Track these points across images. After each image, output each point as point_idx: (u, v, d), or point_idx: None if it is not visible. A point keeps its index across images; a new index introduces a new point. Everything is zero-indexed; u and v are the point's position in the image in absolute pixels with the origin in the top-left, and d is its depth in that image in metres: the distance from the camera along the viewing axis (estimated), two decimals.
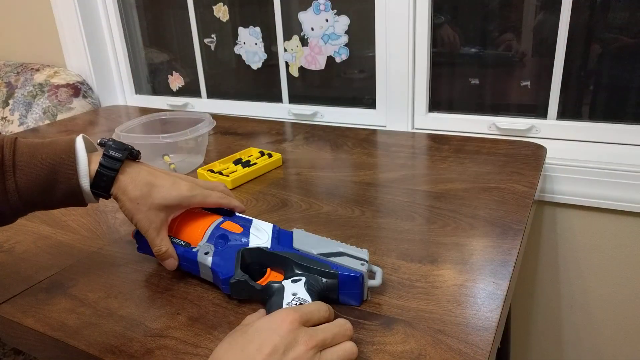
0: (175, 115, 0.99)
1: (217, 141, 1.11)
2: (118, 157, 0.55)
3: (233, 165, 0.91)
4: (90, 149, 0.55)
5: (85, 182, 0.53)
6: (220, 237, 0.55)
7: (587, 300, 1.06)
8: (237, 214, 0.60)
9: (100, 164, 0.54)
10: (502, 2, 1.02)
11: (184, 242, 0.57)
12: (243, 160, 0.92)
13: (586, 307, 1.07)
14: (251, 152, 0.98)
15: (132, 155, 0.57)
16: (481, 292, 0.53)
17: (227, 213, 0.61)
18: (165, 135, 0.85)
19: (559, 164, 0.96)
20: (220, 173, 0.87)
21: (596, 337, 1.08)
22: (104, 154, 0.54)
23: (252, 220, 0.59)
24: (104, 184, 0.54)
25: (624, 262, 0.99)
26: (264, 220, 0.72)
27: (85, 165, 0.53)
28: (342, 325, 0.43)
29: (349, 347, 0.42)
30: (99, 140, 0.57)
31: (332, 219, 0.71)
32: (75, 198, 0.54)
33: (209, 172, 0.87)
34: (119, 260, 0.64)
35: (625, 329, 1.04)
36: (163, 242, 0.56)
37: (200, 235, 0.56)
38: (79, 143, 0.54)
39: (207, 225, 0.57)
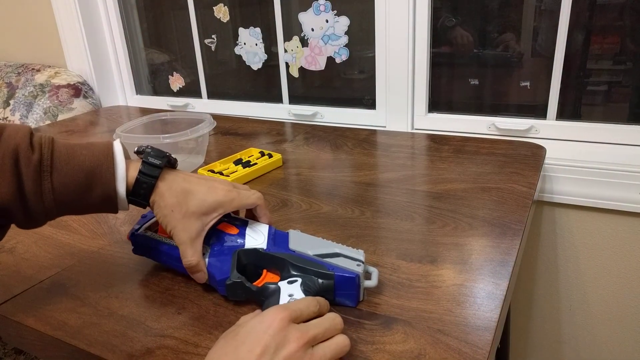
0: (175, 115, 0.99)
1: (217, 141, 1.11)
2: (157, 164, 0.53)
3: (233, 165, 0.92)
4: (124, 156, 0.54)
5: (121, 188, 0.52)
6: (216, 239, 0.55)
7: (586, 299, 1.06)
8: (231, 214, 0.60)
9: (140, 172, 0.52)
10: (501, 2, 1.02)
11: None
12: (243, 161, 0.93)
13: (585, 307, 1.07)
14: (251, 153, 0.98)
15: (170, 163, 0.56)
16: (481, 291, 0.53)
17: (223, 215, 0.60)
18: (166, 135, 0.85)
19: (559, 164, 0.97)
20: (221, 173, 0.87)
21: (595, 337, 1.08)
22: (143, 161, 0.53)
23: (247, 221, 0.58)
24: (143, 191, 0.53)
25: (623, 262, 0.99)
26: None
27: (123, 170, 0.52)
28: (332, 319, 0.44)
29: (340, 340, 0.42)
30: (136, 149, 0.56)
31: (332, 219, 0.72)
32: (109, 203, 0.52)
33: (209, 172, 0.88)
34: (119, 260, 0.64)
35: (624, 328, 1.05)
36: (195, 255, 0.53)
37: None
38: (117, 147, 0.53)
39: None
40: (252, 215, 0.61)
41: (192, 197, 0.54)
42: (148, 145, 0.55)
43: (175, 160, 0.57)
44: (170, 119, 0.99)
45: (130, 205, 0.54)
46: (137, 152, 0.55)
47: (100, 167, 0.51)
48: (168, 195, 0.53)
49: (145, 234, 0.59)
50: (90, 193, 0.51)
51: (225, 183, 0.57)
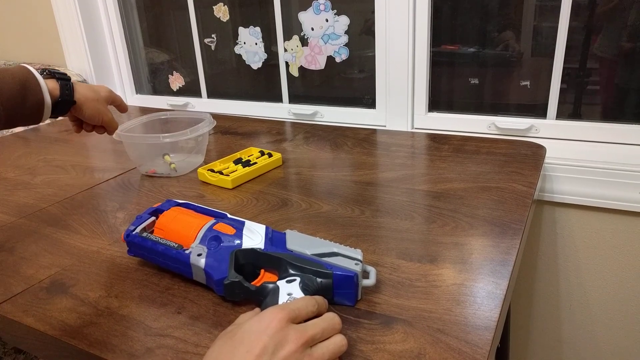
0: (175, 114, 0.99)
1: (217, 141, 1.11)
2: (65, 73, 0.71)
3: (233, 164, 0.92)
4: None
5: (47, 97, 0.67)
6: (213, 239, 0.55)
7: (586, 299, 1.06)
8: (228, 215, 0.60)
9: (58, 79, 0.69)
10: (501, 2, 1.02)
11: (176, 244, 0.57)
12: (243, 160, 0.93)
13: (585, 306, 1.07)
14: (251, 152, 0.98)
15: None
16: (480, 291, 0.53)
17: (219, 215, 0.60)
18: (166, 134, 0.85)
19: (559, 164, 0.97)
20: (221, 172, 0.87)
21: (595, 336, 1.08)
22: (53, 73, 0.70)
23: (244, 221, 0.58)
24: (68, 91, 0.70)
25: (623, 262, 0.99)
26: (263, 219, 0.72)
27: (45, 83, 0.67)
28: (330, 319, 0.43)
29: (338, 340, 0.42)
30: (40, 70, 0.70)
31: (332, 218, 0.72)
32: (38, 111, 0.67)
33: (209, 171, 0.88)
34: (119, 260, 0.64)
35: (624, 328, 1.05)
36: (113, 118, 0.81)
37: (192, 237, 0.56)
38: (31, 68, 0.67)
39: (199, 227, 0.57)
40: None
41: (98, 90, 0.77)
42: (44, 69, 0.70)
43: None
44: (170, 118, 0.99)
45: (58, 117, 0.72)
46: (43, 70, 0.70)
47: (28, 81, 0.65)
48: (88, 94, 0.74)
49: (141, 235, 0.59)
50: (25, 103, 0.65)
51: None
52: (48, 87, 0.68)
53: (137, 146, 0.91)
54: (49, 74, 0.70)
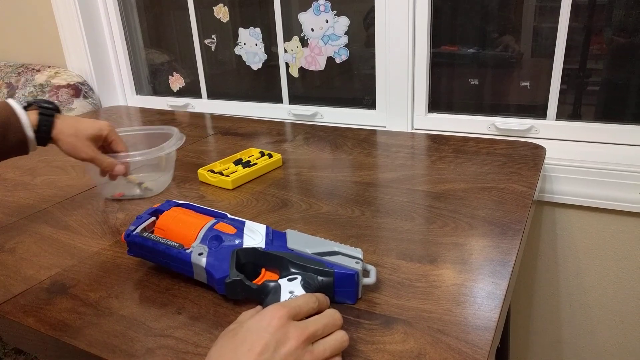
0: (144, 130, 0.90)
1: (217, 141, 1.11)
2: (51, 107, 0.71)
3: (233, 165, 0.92)
4: None
5: (30, 132, 0.68)
6: (213, 238, 0.55)
7: (586, 299, 1.06)
8: (228, 215, 0.60)
9: (40, 114, 0.69)
10: (501, 3, 1.02)
11: (176, 243, 0.57)
12: (243, 161, 0.93)
13: (585, 307, 1.07)
14: (251, 153, 0.98)
15: (57, 108, 0.73)
16: (480, 291, 0.53)
17: (219, 215, 0.61)
18: (122, 154, 0.77)
19: (558, 164, 0.97)
20: (221, 173, 0.87)
21: (595, 336, 1.08)
22: (39, 106, 0.70)
23: (244, 221, 0.59)
24: (45, 128, 0.69)
25: (623, 262, 0.99)
26: (263, 220, 0.72)
27: (26, 118, 0.68)
28: (331, 315, 0.44)
29: (339, 336, 0.43)
30: (25, 103, 0.70)
31: (332, 219, 0.72)
32: (23, 145, 0.69)
33: (209, 172, 0.88)
34: (119, 260, 0.64)
35: (623, 328, 1.05)
36: (105, 158, 0.73)
37: (193, 236, 0.56)
38: (13, 103, 0.68)
39: (200, 227, 0.57)
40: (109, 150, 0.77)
41: (84, 127, 0.72)
42: (35, 98, 0.68)
43: (58, 106, 0.74)
44: (130, 135, 0.88)
45: (39, 146, 0.71)
46: (30, 103, 0.70)
47: (8, 119, 0.67)
48: (66, 130, 0.71)
49: (142, 234, 0.59)
50: (6, 141, 0.67)
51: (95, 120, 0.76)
52: (30, 121, 0.68)
53: (92, 167, 0.76)
54: (36, 106, 0.70)
